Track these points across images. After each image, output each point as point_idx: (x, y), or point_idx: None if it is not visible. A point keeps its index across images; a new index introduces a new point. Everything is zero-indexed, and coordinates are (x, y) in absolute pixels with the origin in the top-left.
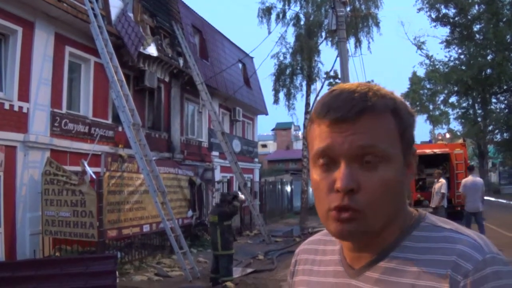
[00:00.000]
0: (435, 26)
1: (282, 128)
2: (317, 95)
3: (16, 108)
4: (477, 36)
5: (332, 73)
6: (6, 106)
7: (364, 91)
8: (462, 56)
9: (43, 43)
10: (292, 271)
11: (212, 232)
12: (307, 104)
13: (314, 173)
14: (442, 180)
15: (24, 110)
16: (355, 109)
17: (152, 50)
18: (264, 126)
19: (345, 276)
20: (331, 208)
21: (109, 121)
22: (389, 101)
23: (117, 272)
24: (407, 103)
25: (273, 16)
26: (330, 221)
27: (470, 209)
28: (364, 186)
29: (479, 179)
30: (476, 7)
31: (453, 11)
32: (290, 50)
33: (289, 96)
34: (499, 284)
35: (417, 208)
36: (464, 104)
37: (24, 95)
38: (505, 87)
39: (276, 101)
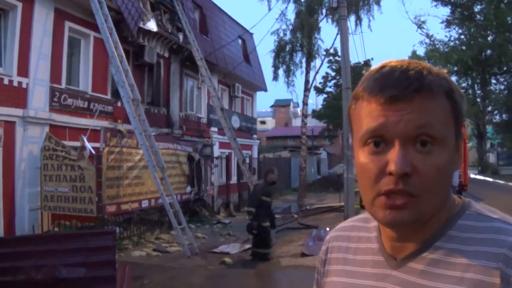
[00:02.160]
0: (435, 5)
1: (281, 105)
2: (317, 73)
3: (15, 84)
4: (478, 16)
5: (332, 51)
6: (6, 82)
7: (419, 69)
8: (462, 37)
9: (43, 18)
10: (324, 259)
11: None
12: (307, 81)
13: (361, 155)
14: None
15: (24, 86)
16: (412, 87)
17: (152, 25)
18: (263, 102)
19: (385, 267)
20: (382, 193)
21: (109, 97)
22: (444, 81)
23: (116, 248)
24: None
25: None
26: (379, 207)
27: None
28: (419, 170)
29: None
30: None
31: None
32: (290, 27)
33: (288, 73)
34: None
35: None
36: (464, 84)
37: (23, 70)
38: (505, 68)
39: (275, 77)
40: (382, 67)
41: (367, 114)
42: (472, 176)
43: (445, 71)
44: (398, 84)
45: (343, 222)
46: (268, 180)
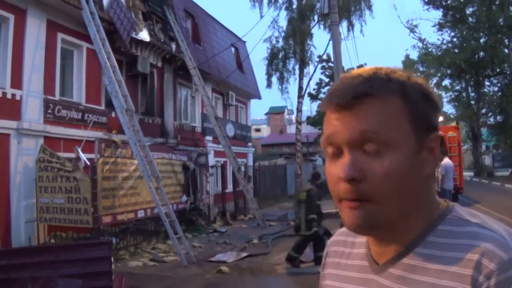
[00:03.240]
0: (427, 9)
1: (275, 112)
2: (310, 79)
3: (9, 96)
4: (470, 19)
5: (325, 57)
6: None
7: (368, 75)
8: (455, 39)
9: (35, 30)
10: (323, 264)
11: (297, 211)
12: (300, 88)
13: (327, 162)
14: (445, 160)
15: (17, 98)
16: (356, 93)
17: (144, 35)
18: (257, 110)
19: (369, 272)
20: (341, 198)
21: (102, 107)
22: (395, 84)
23: (112, 258)
24: (428, 86)
25: (265, 0)
26: (342, 213)
27: (450, 187)
28: (369, 174)
29: (451, 161)
30: None
31: None
32: (283, 34)
33: (282, 80)
34: None
35: (445, 199)
36: (457, 87)
37: (17, 82)
38: (498, 70)
39: (269, 85)
40: (345, 76)
41: (325, 122)
42: (467, 178)
43: (411, 72)
44: (343, 92)
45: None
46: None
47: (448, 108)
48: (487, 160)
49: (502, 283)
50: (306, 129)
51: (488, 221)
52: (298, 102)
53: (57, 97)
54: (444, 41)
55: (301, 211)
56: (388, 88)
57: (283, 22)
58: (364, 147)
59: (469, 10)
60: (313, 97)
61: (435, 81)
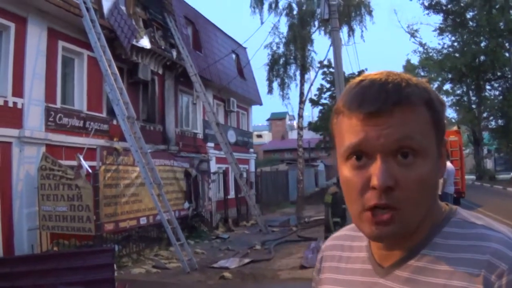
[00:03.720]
0: (428, 13)
1: (277, 118)
2: (311, 85)
3: (10, 104)
4: (470, 23)
5: (325, 62)
6: (1, 102)
7: (397, 81)
8: (455, 44)
9: (36, 39)
10: (319, 268)
11: (325, 213)
12: (301, 93)
13: (345, 169)
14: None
15: (19, 106)
16: (390, 101)
17: (145, 42)
18: (259, 116)
19: (373, 275)
20: (366, 208)
21: (104, 115)
22: (423, 91)
23: (115, 265)
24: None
25: (266, 6)
26: (365, 222)
27: (451, 191)
28: (401, 183)
29: (452, 165)
30: None
31: None
32: (283, 40)
33: (283, 86)
34: None
35: (447, 203)
36: (459, 91)
37: (18, 90)
38: (499, 74)
39: (270, 91)
40: (361, 80)
41: (347, 129)
42: (469, 182)
43: (426, 80)
44: (377, 98)
45: (338, 231)
46: None
47: (450, 112)
48: (489, 164)
49: None
50: (308, 134)
51: (493, 223)
52: (300, 108)
53: (58, 105)
54: (445, 46)
55: (328, 214)
56: (421, 97)
57: (283, 28)
58: (397, 155)
59: (469, 14)
60: (314, 103)
61: (436, 85)
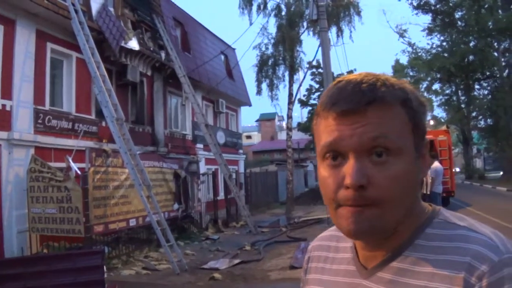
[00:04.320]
0: (416, 13)
1: (266, 119)
2: (300, 85)
3: None
4: (459, 23)
5: (314, 63)
6: None
7: (372, 81)
8: (444, 43)
9: (25, 41)
10: (305, 268)
11: None
12: (290, 94)
13: (321, 168)
14: (435, 164)
15: (8, 108)
16: (364, 100)
17: (133, 44)
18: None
19: (357, 276)
20: (341, 205)
21: (93, 117)
22: (399, 91)
23: (105, 267)
24: (418, 92)
25: (254, 7)
26: (340, 219)
27: (439, 191)
28: (375, 181)
29: (440, 165)
30: None
31: None
32: (272, 41)
33: (272, 87)
34: None
35: (431, 204)
36: (448, 91)
37: (6, 93)
38: (487, 73)
39: (259, 92)
40: (338, 82)
41: (323, 129)
42: (459, 181)
43: (406, 80)
44: (351, 97)
45: (324, 232)
46: None
47: (439, 112)
48: (478, 163)
49: (493, 284)
50: (297, 135)
51: (475, 224)
52: (289, 109)
53: (47, 107)
54: (434, 46)
55: None
56: (396, 96)
57: (272, 29)
58: (371, 153)
59: (458, 14)
60: (304, 103)
61: (425, 85)
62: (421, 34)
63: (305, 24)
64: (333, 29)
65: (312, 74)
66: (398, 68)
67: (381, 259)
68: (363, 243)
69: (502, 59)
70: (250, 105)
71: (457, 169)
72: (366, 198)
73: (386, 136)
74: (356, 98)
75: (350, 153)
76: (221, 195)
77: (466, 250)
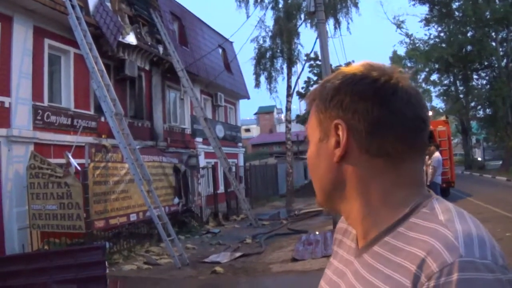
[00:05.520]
0: (414, 4)
1: (264, 112)
2: (298, 77)
3: None
4: (457, 13)
5: (312, 55)
6: None
7: (323, 81)
8: (442, 34)
9: (22, 37)
10: (335, 239)
11: None
12: (289, 86)
13: None
14: (436, 154)
15: (6, 105)
16: (311, 97)
17: (131, 38)
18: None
19: (352, 254)
20: None
21: (91, 112)
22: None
23: (106, 262)
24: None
25: (251, 0)
26: None
27: (439, 181)
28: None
29: (440, 156)
30: None
31: None
32: (270, 34)
33: (270, 80)
34: None
35: (430, 191)
36: (446, 82)
37: (5, 89)
38: (485, 63)
39: (257, 85)
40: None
41: None
42: (459, 172)
43: (398, 69)
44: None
45: None
46: None
47: (437, 103)
48: (478, 153)
49: (440, 287)
50: (296, 127)
51: (455, 220)
52: (287, 101)
53: (45, 103)
54: (431, 36)
55: None
56: (310, 98)
57: (269, 22)
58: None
59: (455, 5)
60: (302, 96)
61: (423, 76)
62: (418, 25)
63: (302, 16)
64: (331, 21)
65: (310, 66)
66: (396, 60)
67: (368, 241)
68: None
69: (500, 49)
70: (248, 98)
71: (434, 164)
72: None
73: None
74: (310, 97)
75: None
76: (221, 189)
77: (426, 245)
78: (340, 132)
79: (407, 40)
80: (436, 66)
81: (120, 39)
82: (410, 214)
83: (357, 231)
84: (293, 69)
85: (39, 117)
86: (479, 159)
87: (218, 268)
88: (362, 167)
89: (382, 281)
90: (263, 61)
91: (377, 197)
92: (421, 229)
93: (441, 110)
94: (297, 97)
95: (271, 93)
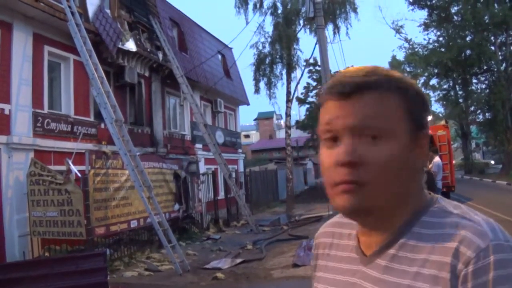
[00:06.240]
0: (412, 9)
1: (264, 118)
2: (298, 83)
3: None
4: (455, 17)
5: (311, 61)
6: None
7: (370, 70)
8: (441, 38)
9: (22, 44)
10: (315, 255)
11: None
12: (288, 92)
13: (321, 150)
14: (436, 159)
15: (6, 112)
16: (360, 84)
17: (130, 45)
18: (246, 116)
19: (357, 263)
20: (336, 183)
21: (91, 119)
22: (393, 80)
23: (107, 269)
24: (420, 88)
25: (250, 6)
26: (336, 196)
27: (439, 186)
28: (366, 160)
29: (440, 160)
30: None
31: None
32: (269, 39)
33: (269, 85)
34: (505, 273)
35: (430, 192)
36: (445, 86)
37: (5, 96)
38: (485, 67)
39: (257, 90)
40: (339, 71)
41: (323, 112)
42: (459, 176)
43: (403, 74)
44: (348, 82)
45: (331, 219)
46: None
47: (437, 107)
48: (478, 157)
49: (479, 270)
50: (296, 133)
51: (468, 212)
52: (287, 107)
53: (45, 110)
54: (430, 41)
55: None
56: (389, 84)
57: (269, 28)
58: (363, 134)
59: (454, 9)
60: (301, 101)
61: (422, 80)
62: (417, 30)
63: (301, 21)
64: (330, 26)
65: (310, 71)
66: (395, 64)
67: (379, 247)
68: (362, 227)
69: (499, 53)
70: (248, 104)
71: (434, 169)
72: (358, 176)
73: (377, 118)
74: (352, 82)
75: (344, 133)
76: (222, 195)
77: (455, 236)
78: (424, 139)
79: (406, 45)
80: (435, 70)
81: (120, 45)
82: (421, 214)
83: (373, 239)
84: (293, 75)
85: (39, 124)
86: (484, 160)
87: (219, 274)
88: (419, 171)
89: (411, 279)
90: (263, 67)
91: (411, 201)
92: (440, 225)
93: (440, 115)
94: (297, 102)
95: (270, 99)
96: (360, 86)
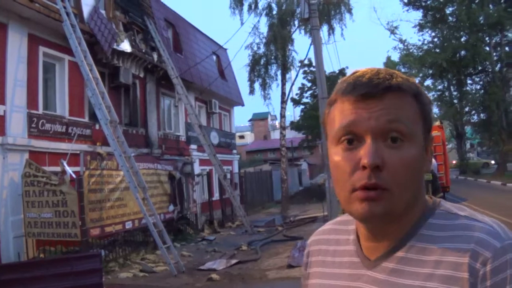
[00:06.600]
0: (407, 10)
1: (259, 119)
2: (292, 84)
3: None
4: (450, 18)
5: (306, 61)
6: None
7: (389, 72)
8: (435, 39)
9: (17, 45)
10: (306, 262)
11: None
12: (283, 93)
13: (335, 153)
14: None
15: (1, 113)
16: (381, 86)
17: (125, 46)
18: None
19: (361, 268)
20: (357, 188)
21: (86, 120)
22: (412, 84)
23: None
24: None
25: (245, 7)
26: (354, 202)
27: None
28: (389, 163)
29: (435, 161)
30: None
31: None
32: (264, 40)
33: (264, 86)
34: None
35: (431, 195)
36: (440, 87)
37: (0, 97)
38: (479, 68)
39: (251, 91)
40: (355, 72)
41: (339, 113)
42: (453, 176)
43: (414, 77)
44: (369, 83)
45: (323, 226)
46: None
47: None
48: (472, 158)
49: (497, 268)
50: (290, 134)
51: (475, 214)
52: (281, 108)
53: (40, 111)
54: (425, 42)
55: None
56: (410, 88)
57: (263, 29)
58: (386, 137)
59: (449, 10)
60: (296, 102)
61: (417, 81)
62: (412, 31)
63: (296, 22)
64: (325, 27)
65: (304, 72)
66: (389, 65)
67: (386, 250)
68: (368, 233)
69: (494, 54)
70: (243, 105)
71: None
72: (380, 180)
73: (401, 121)
74: (373, 84)
75: (366, 135)
76: (216, 196)
77: (470, 238)
78: (431, 143)
79: (401, 45)
80: (430, 71)
81: (115, 46)
82: (427, 216)
83: (380, 243)
84: (287, 76)
85: (34, 125)
86: (484, 160)
87: (214, 275)
88: (423, 174)
89: (423, 280)
90: (257, 68)
91: (418, 204)
92: (449, 227)
93: (435, 116)
94: (291, 103)
95: (265, 100)
96: (385, 88)
